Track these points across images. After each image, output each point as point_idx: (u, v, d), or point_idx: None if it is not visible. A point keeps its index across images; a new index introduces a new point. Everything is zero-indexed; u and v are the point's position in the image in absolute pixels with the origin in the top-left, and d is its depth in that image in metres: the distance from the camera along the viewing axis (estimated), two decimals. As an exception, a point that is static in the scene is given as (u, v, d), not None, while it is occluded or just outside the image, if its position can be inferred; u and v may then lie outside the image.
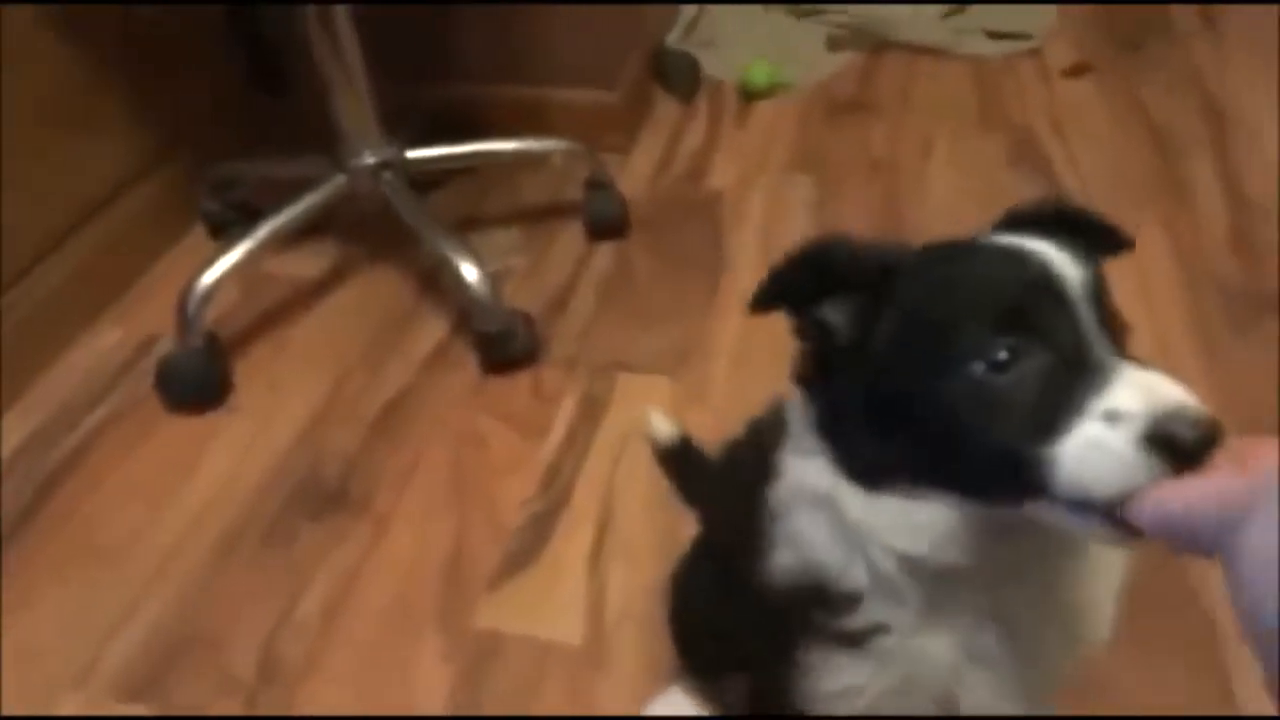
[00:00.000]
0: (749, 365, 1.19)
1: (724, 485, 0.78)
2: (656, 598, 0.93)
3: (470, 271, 1.20)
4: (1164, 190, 1.46)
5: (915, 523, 0.52)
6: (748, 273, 1.36)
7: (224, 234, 1.47)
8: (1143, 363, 0.46)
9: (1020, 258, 0.50)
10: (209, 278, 1.21)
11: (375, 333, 1.33)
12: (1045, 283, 0.48)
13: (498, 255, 1.43)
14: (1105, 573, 0.57)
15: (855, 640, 0.57)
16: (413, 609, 0.98)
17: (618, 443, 1.13)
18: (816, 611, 0.57)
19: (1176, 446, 0.42)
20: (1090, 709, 0.82)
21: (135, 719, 0.90)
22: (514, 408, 1.19)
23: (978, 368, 0.47)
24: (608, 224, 1.45)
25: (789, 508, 0.58)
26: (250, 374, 1.28)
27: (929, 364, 0.49)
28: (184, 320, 1.20)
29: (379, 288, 1.41)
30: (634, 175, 1.60)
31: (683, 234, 1.46)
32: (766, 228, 1.46)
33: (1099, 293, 0.49)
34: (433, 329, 1.32)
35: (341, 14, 1.22)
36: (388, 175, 1.32)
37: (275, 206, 1.29)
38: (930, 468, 0.51)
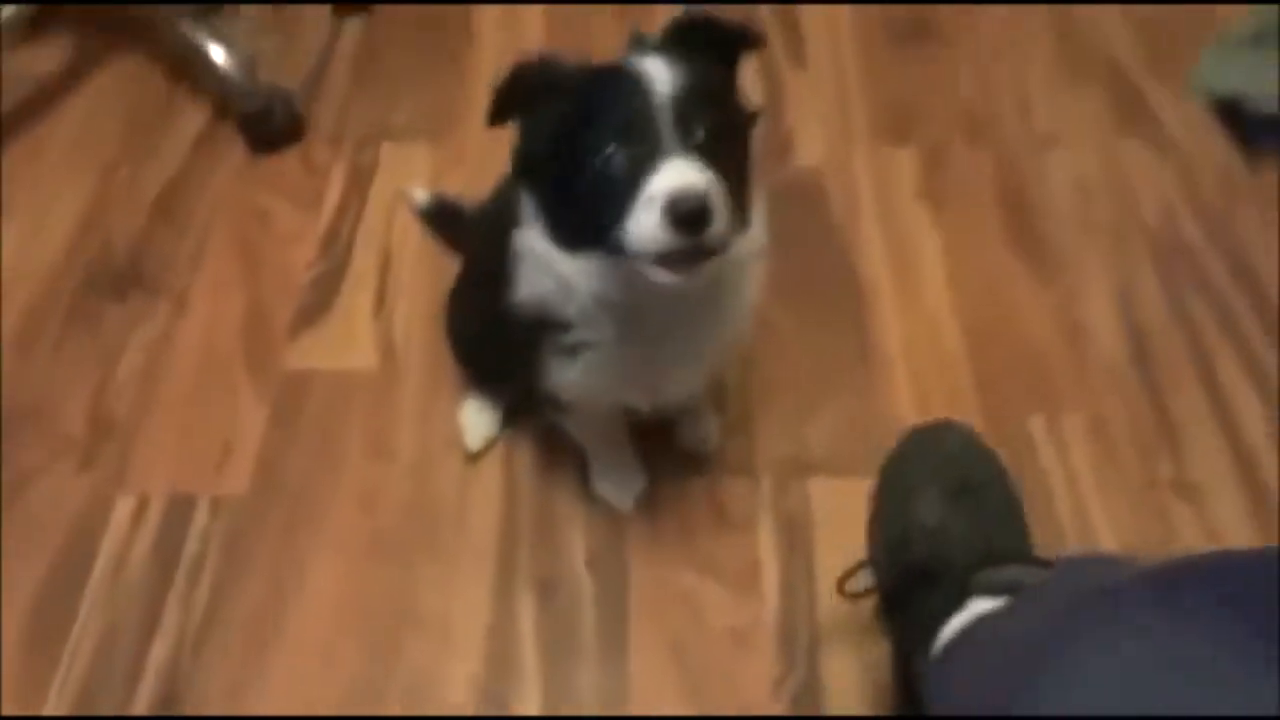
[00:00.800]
0: (498, 131, 1.33)
1: (480, 234, 0.98)
2: (435, 324, 1.13)
3: (219, 52, 1.25)
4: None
5: (596, 273, 0.74)
6: (491, 37, 1.47)
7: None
8: (689, 155, 0.67)
9: (626, 78, 0.69)
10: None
11: (132, 123, 1.36)
12: (634, 98, 0.68)
13: (245, 38, 1.45)
14: (739, 294, 0.82)
15: (571, 351, 0.81)
16: (223, 363, 1.13)
17: (388, 205, 1.28)
18: (545, 331, 0.80)
19: (679, 215, 0.65)
20: (760, 356, 1.12)
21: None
22: (287, 182, 1.30)
23: (598, 162, 0.69)
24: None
25: (525, 257, 0.79)
26: (10, 178, 1.30)
27: (577, 161, 0.70)
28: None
29: (128, 78, 1.42)
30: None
31: (428, 5, 1.53)
32: (507, -10, 1.55)
33: (686, 100, 0.68)
34: (192, 114, 1.37)
35: None
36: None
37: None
38: (587, 235, 0.72)
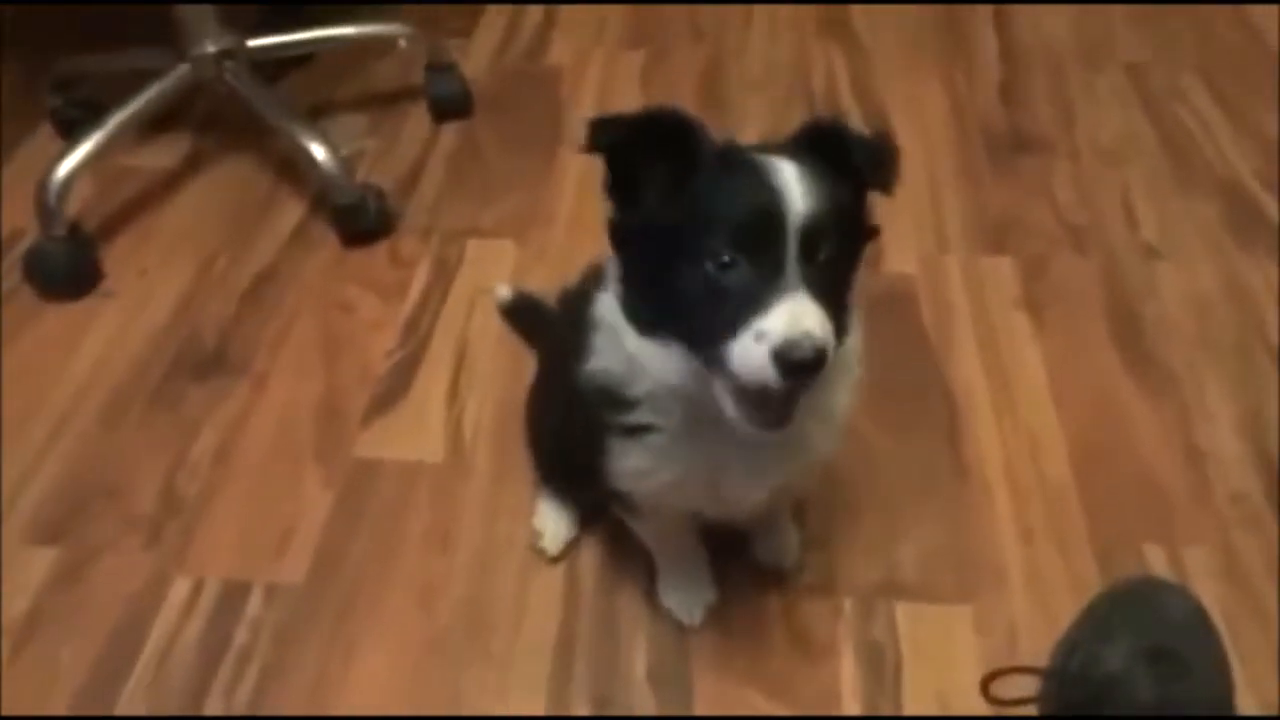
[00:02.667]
0: (583, 229, 1.34)
1: (562, 314, 0.96)
2: (506, 418, 1.10)
3: (319, 150, 1.30)
4: (947, 49, 1.66)
5: (668, 363, 0.70)
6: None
7: (73, 132, 1.50)
8: (809, 293, 0.62)
9: (763, 188, 0.63)
10: (65, 168, 1.27)
11: (236, 217, 1.42)
12: (769, 216, 0.63)
13: (349, 139, 1.52)
14: (823, 414, 0.76)
15: (634, 432, 0.76)
16: (294, 447, 1.12)
17: (469, 299, 1.28)
18: (610, 408, 0.76)
19: (789, 363, 0.61)
20: (846, 469, 1.05)
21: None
22: (374, 274, 1.32)
23: (710, 266, 0.64)
24: (451, 104, 1.55)
25: (599, 327, 0.75)
26: (119, 262, 1.36)
27: (683, 252, 0.65)
28: (45, 211, 1.27)
29: (236, 175, 1.49)
30: (477, 56, 1.70)
31: (524, 110, 1.58)
32: (602, 100, 1.59)
33: (818, 222, 0.63)
34: (292, 210, 1.42)
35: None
36: (230, 64, 1.38)
37: (122, 99, 1.35)
38: (670, 324, 0.68)
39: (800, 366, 0.60)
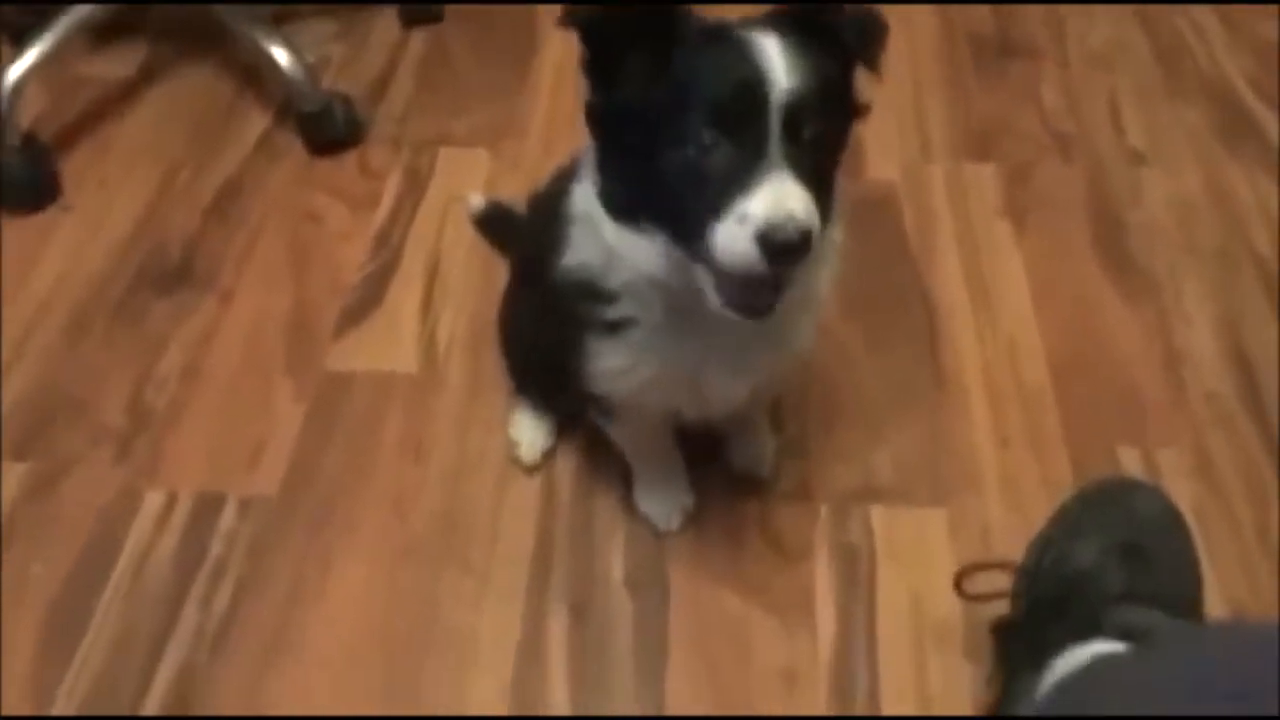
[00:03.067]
0: (558, 138, 1.30)
1: (532, 216, 0.93)
2: (480, 329, 1.09)
3: (283, 55, 1.25)
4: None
5: (648, 253, 0.67)
6: (556, 50, 1.44)
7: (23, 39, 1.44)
8: (793, 173, 0.59)
9: (744, 64, 0.60)
10: (14, 73, 1.21)
11: (198, 126, 1.37)
12: (750, 92, 0.59)
13: (315, 45, 1.46)
14: (803, 305, 0.74)
15: (614, 328, 0.74)
16: (264, 360, 1.10)
17: (442, 209, 1.25)
18: (588, 303, 0.73)
19: (774, 246, 0.58)
20: (823, 374, 1.04)
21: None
22: (343, 184, 1.28)
23: (690, 147, 0.61)
24: (421, 9, 1.49)
25: (576, 220, 0.72)
26: (79, 173, 1.31)
27: (663, 133, 0.62)
28: (-3, 120, 1.22)
29: (197, 83, 1.43)
30: (446, -41, 1.62)
31: (497, 16, 1.52)
32: (576, 5, 1.53)
33: (802, 100, 0.59)
34: (256, 119, 1.37)
35: None
36: (188, -37, 1.31)
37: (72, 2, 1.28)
38: (651, 212, 0.65)
39: (785, 249, 0.58)
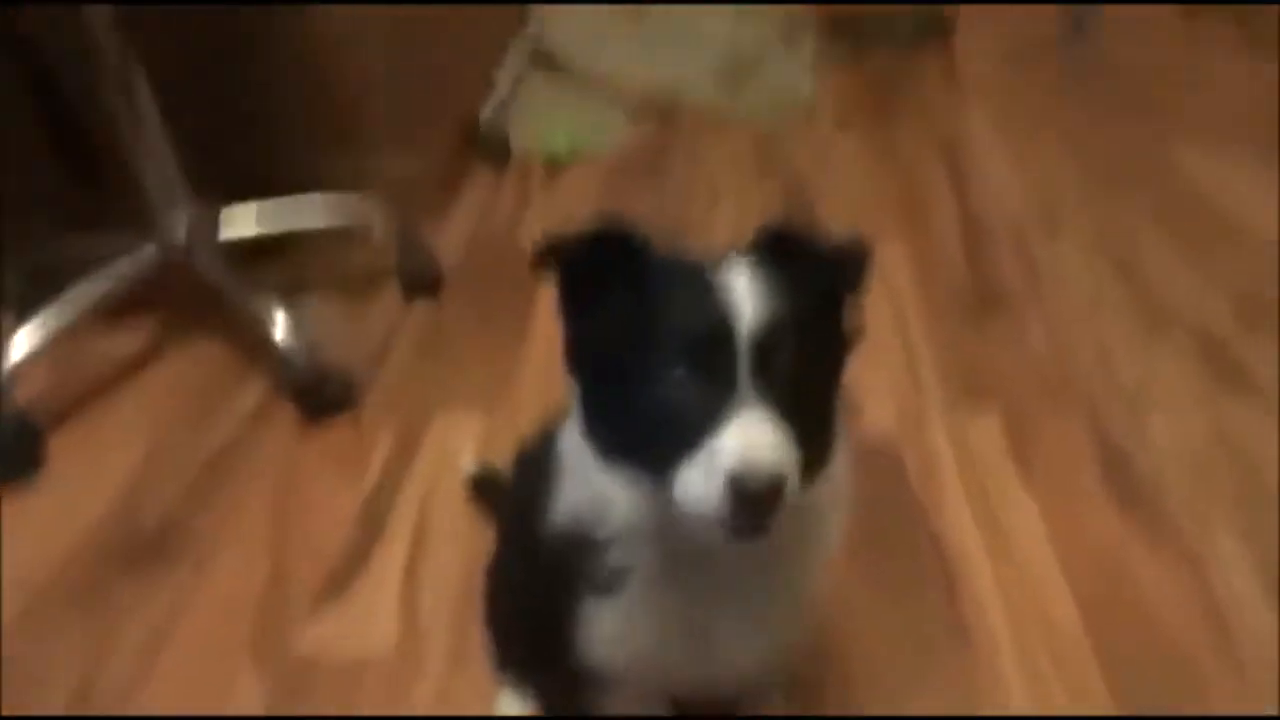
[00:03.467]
0: (556, 398, 1.30)
1: (519, 465, 0.89)
2: (466, 602, 1.01)
3: (279, 328, 1.28)
4: (909, 216, 1.70)
5: (632, 492, 0.63)
6: (552, 319, 1.48)
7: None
8: (764, 412, 0.56)
9: (710, 298, 0.59)
10: (17, 354, 1.23)
11: (194, 399, 1.37)
12: (717, 328, 0.58)
13: (319, 316, 1.50)
14: (814, 545, 0.69)
15: (608, 584, 0.68)
16: (232, 637, 1.02)
17: (433, 474, 1.21)
18: (579, 555, 0.68)
19: (742, 494, 0.55)
20: (837, 640, 0.96)
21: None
22: (333, 451, 1.26)
23: (660, 382, 0.59)
24: (422, 282, 1.55)
25: (562, 468, 0.69)
26: (63, 450, 1.30)
27: (636, 370, 0.61)
28: (-7, 394, 1.22)
29: (199, 357, 1.46)
30: (451, 238, 1.72)
31: (495, 289, 1.58)
32: (571, 276, 1.60)
33: (772, 333, 0.58)
34: (254, 389, 1.38)
35: (142, 84, 1.29)
36: (201, 247, 1.38)
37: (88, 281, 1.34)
38: (630, 452, 0.62)
39: (755, 500, 0.54)
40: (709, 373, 0.58)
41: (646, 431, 0.60)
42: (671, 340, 0.59)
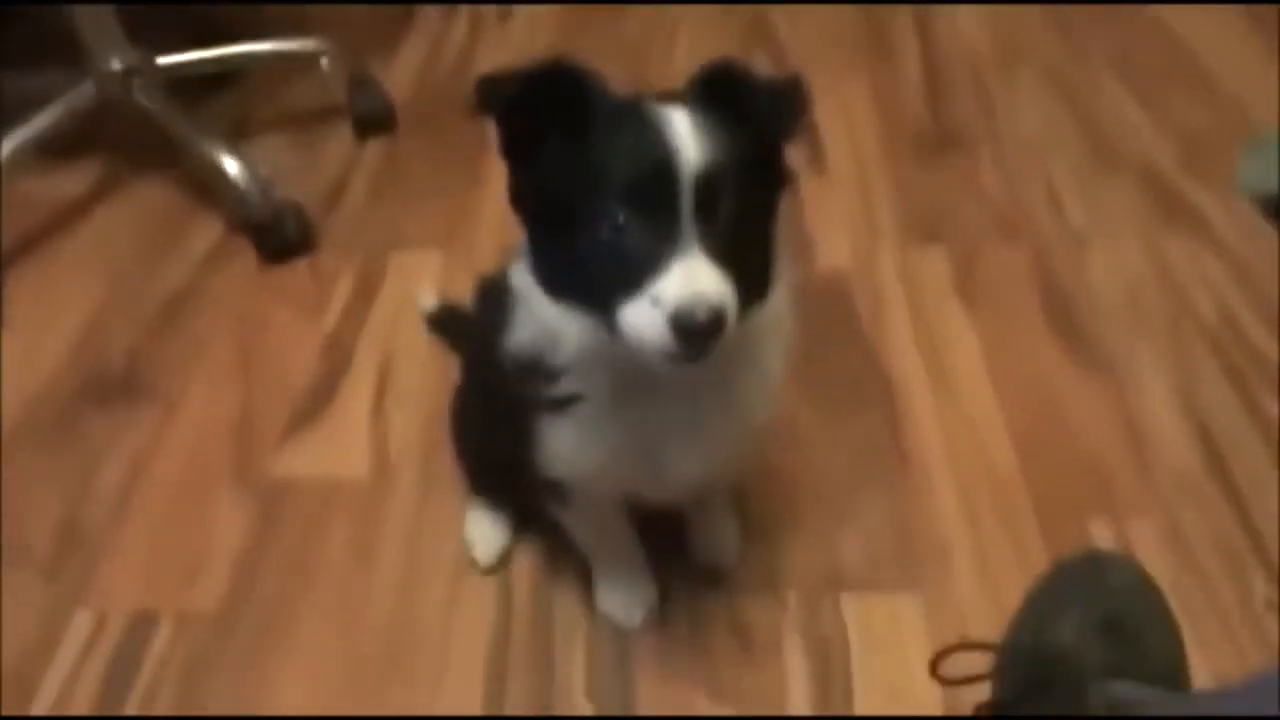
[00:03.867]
0: (511, 235, 1.30)
1: (479, 302, 0.91)
2: (434, 432, 1.05)
3: (232, 165, 1.26)
4: (872, 53, 1.67)
5: (582, 328, 0.65)
6: (509, 154, 1.47)
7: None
8: (707, 253, 0.58)
9: (654, 141, 0.59)
10: (-42, 192, 1.20)
11: (148, 239, 1.36)
12: (660, 171, 0.59)
13: (269, 157, 1.47)
14: (758, 366, 0.73)
15: (560, 405, 0.71)
16: (207, 469, 1.06)
17: (394, 311, 1.24)
18: (534, 382, 0.71)
19: (686, 329, 0.57)
20: (784, 460, 1.02)
21: None
22: (294, 290, 1.27)
23: (604, 226, 0.60)
24: (373, 120, 1.52)
25: (515, 300, 0.71)
26: (18, 292, 1.29)
27: (579, 213, 0.61)
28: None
29: (149, 197, 1.43)
30: (401, 74, 1.67)
31: (448, 123, 1.55)
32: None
33: (714, 176, 0.59)
34: (208, 230, 1.37)
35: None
36: (139, 82, 1.33)
37: (22, 121, 1.29)
38: (574, 289, 0.64)
39: (697, 332, 0.57)
40: (652, 215, 0.59)
41: (591, 272, 0.62)
42: (615, 184, 0.60)
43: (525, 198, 0.66)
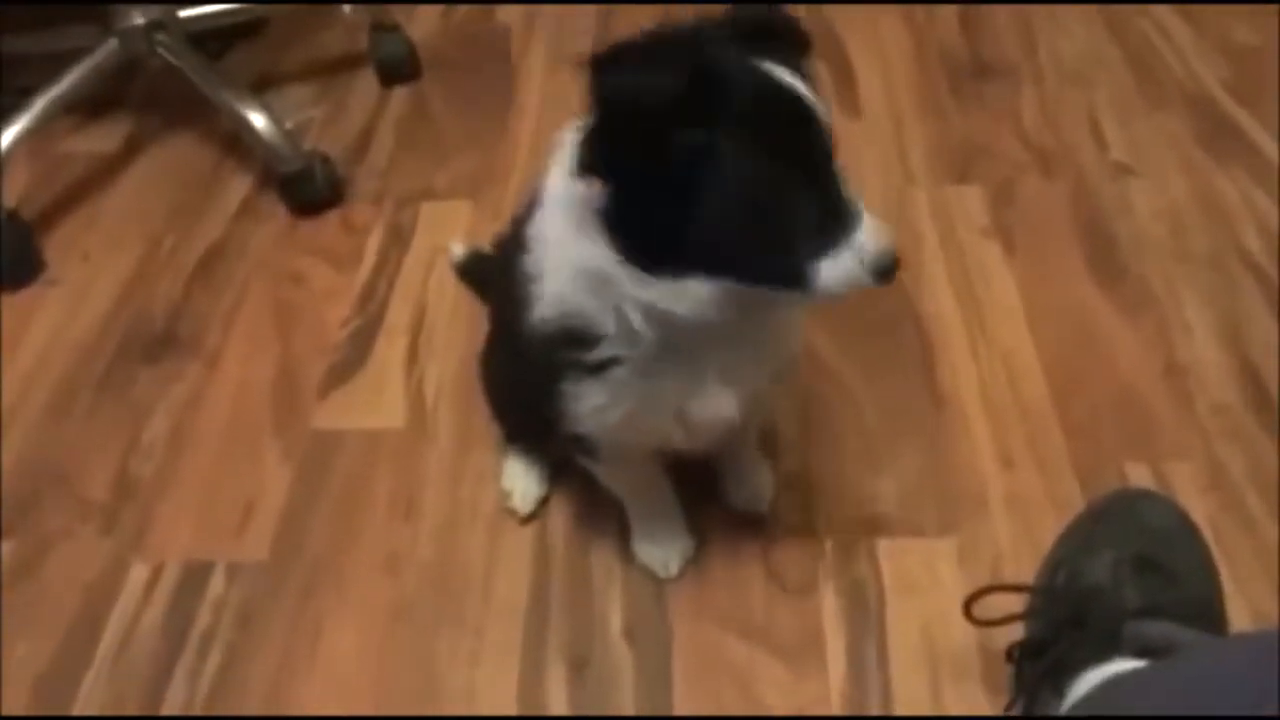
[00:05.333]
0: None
1: (498, 266, 0.91)
2: (468, 380, 1.06)
3: (260, 120, 1.25)
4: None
5: (689, 294, 0.64)
6: (535, 98, 1.46)
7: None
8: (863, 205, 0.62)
9: (805, 115, 0.61)
10: (-5, 153, 1.22)
11: (181, 195, 1.37)
12: (820, 137, 0.61)
13: (295, 108, 1.48)
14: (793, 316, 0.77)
15: (596, 369, 0.71)
16: (250, 423, 1.08)
17: (426, 262, 1.24)
18: (568, 350, 0.71)
19: (883, 273, 0.62)
20: (819, 405, 1.02)
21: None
22: (326, 243, 1.28)
23: (782, 212, 0.61)
24: (398, 67, 1.50)
25: (547, 274, 0.70)
26: (63, 249, 1.31)
27: (717, 184, 0.59)
28: (-22, 200, 1.22)
29: (179, 153, 1.44)
30: (423, 18, 1.65)
31: (474, 70, 1.53)
32: (554, 56, 1.54)
33: (829, 129, 0.62)
34: (238, 184, 1.37)
35: None
36: (162, 36, 1.33)
37: (52, 81, 1.30)
38: (723, 267, 0.63)
39: (891, 268, 0.63)
40: (817, 178, 0.62)
41: (741, 240, 0.62)
42: (786, 169, 0.61)
43: (621, 165, 0.61)
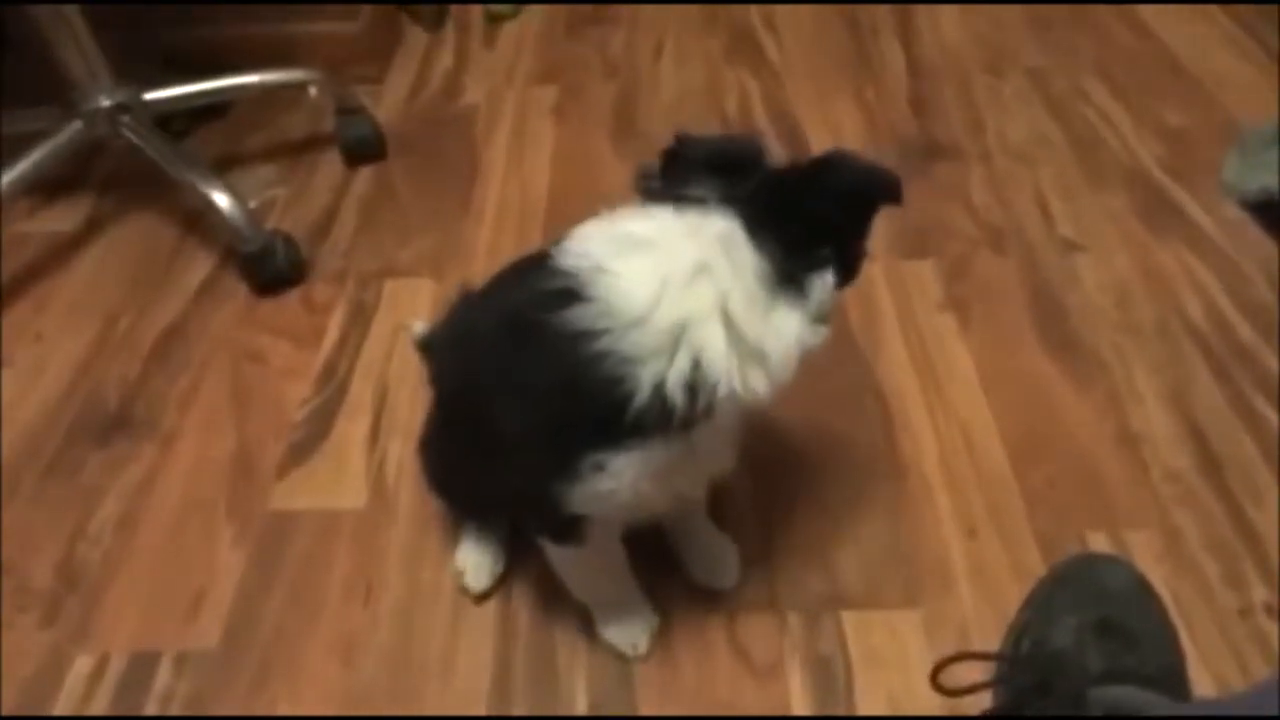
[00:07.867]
0: (502, 261, 1.31)
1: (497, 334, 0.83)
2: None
3: (221, 198, 1.26)
4: (855, 66, 1.69)
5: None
6: (499, 178, 1.48)
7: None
8: None
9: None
10: (-51, 235, 1.21)
11: (141, 275, 1.36)
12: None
13: (259, 188, 1.48)
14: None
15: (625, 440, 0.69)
16: (205, 504, 1.06)
17: (388, 340, 1.24)
18: (674, 415, 0.68)
19: None
20: (780, 478, 1.02)
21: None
22: (287, 322, 1.27)
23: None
24: (363, 148, 1.52)
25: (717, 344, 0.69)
26: (16, 330, 1.29)
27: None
28: (-70, 281, 1.20)
29: (141, 232, 1.43)
30: (389, 101, 1.67)
31: (438, 151, 1.56)
32: (515, 134, 1.58)
33: None
34: (200, 264, 1.37)
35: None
36: (127, 119, 1.33)
37: (12, 162, 1.30)
38: None
39: None
40: None
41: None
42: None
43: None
